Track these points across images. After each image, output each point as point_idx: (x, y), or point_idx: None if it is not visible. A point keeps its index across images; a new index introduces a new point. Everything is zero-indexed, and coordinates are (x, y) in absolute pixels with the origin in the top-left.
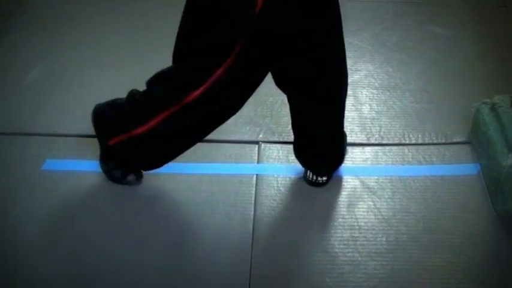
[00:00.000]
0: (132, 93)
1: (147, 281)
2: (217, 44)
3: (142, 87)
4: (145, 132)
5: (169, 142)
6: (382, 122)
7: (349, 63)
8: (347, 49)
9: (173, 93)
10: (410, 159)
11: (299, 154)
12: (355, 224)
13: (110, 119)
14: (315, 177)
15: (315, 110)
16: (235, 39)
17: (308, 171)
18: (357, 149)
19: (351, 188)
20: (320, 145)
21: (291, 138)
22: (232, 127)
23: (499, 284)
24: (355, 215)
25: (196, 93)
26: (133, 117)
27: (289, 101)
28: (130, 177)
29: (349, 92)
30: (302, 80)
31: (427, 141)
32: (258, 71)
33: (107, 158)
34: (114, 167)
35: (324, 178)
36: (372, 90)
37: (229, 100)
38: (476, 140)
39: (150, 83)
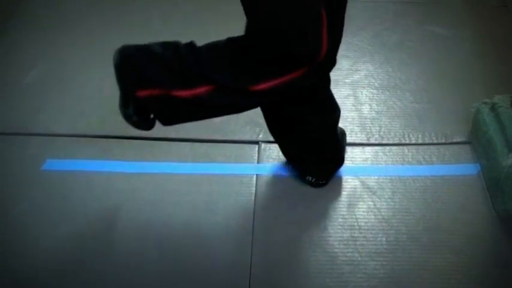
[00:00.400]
0: (189, 48)
1: (147, 281)
2: (301, 55)
3: None
4: (187, 97)
5: (205, 111)
6: (382, 122)
7: (349, 63)
8: (347, 49)
9: (240, 78)
10: (410, 159)
11: (296, 160)
12: (355, 224)
13: (146, 68)
14: (314, 179)
15: (321, 118)
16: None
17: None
18: (357, 149)
19: (351, 188)
20: (321, 150)
21: None
22: (232, 127)
23: (499, 284)
24: (355, 215)
25: (265, 85)
26: (179, 76)
27: (283, 113)
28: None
29: (349, 92)
30: (314, 90)
31: (427, 141)
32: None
33: (127, 103)
34: (133, 113)
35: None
36: (372, 90)
37: (290, 96)
38: (476, 140)
39: (211, 52)
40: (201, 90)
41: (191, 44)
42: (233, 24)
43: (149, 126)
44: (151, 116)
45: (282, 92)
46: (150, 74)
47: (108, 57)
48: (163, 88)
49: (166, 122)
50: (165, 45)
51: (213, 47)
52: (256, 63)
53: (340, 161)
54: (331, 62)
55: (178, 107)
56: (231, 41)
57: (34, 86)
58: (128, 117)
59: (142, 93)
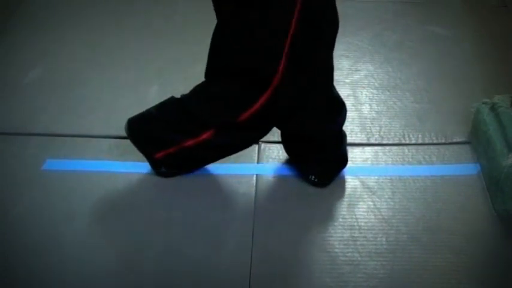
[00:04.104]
0: (180, 105)
1: (147, 281)
2: (261, 67)
3: (141, 87)
4: (194, 145)
5: (220, 151)
6: (382, 122)
7: (349, 63)
8: (347, 49)
9: (226, 111)
10: (410, 159)
11: (299, 159)
12: (355, 224)
13: (154, 133)
14: (317, 179)
15: (328, 125)
16: (278, 61)
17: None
18: (357, 149)
19: (351, 188)
20: (327, 151)
21: None
22: None
23: (499, 284)
24: (355, 215)
25: (250, 111)
26: (182, 130)
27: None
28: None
29: (349, 92)
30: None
31: (427, 141)
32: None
33: (156, 166)
34: (164, 169)
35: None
36: (372, 90)
37: (282, 112)
38: (476, 140)
39: (194, 98)
40: (206, 135)
41: (178, 99)
42: None
43: (182, 171)
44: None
45: (265, 117)
46: (159, 137)
47: (108, 57)
48: (175, 145)
49: (188, 170)
50: (161, 106)
51: (194, 92)
52: (231, 91)
53: (344, 161)
54: (295, 89)
55: (194, 154)
56: (205, 79)
57: (34, 86)
58: (161, 174)
59: (159, 154)
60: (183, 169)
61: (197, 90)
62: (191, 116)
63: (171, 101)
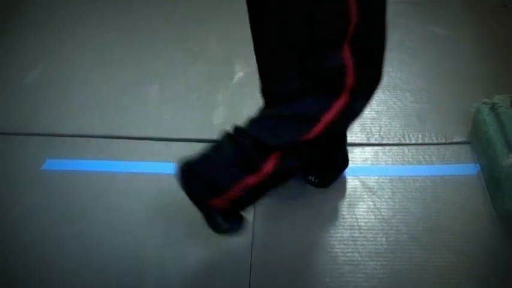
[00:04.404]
0: (237, 137)
1: (147, 281)
2: (326, 75)
3: (141, 86)
4: (256, 182)
5: (282, 178)
6: (382, 122)
7: None
8: None
9: (288, 132)
10: (410, 159)
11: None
12: (355, 224)
13: (210, 175)
14: (317, 180)
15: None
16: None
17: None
18: (357, 149)
19: (351, 188)
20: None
21: None
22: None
23: (499, 284)
24: (355, 215)
25: (324, 122)
26: (242, 165)
27: None
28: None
29: None
30: None
31: (427, 141)
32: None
33: (211, 216)
34: (220, 219)
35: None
36: None
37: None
38: (476, 140)
39: (256, 124)
40: (269, 166)
41: (233, 133)
42: (233, 25)
43: (240, 223)
44: (238, 212)
45: (342, 122)
46: (215, 179)
47: (108, 57)
48: (234, 186)
49: (250, 206)
50: (216, 147)
51: (256, 118)
52: (293, 111)
53: (345, 162)
54: (371, 83)
55: (255, 193)
56: (264, 106)
57: (34, 86)
58: (221, 231)
59: (216, 201)
60: (247, 207)
61: (260, 115)
62: (255, 143)
63: (225, 136)
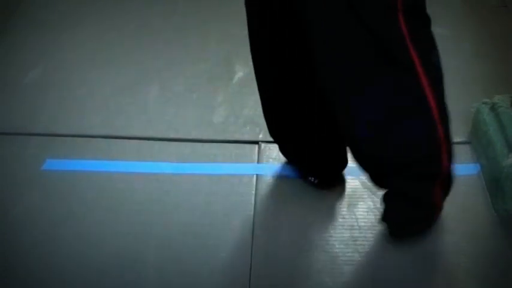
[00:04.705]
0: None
1: (147, 281)
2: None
3: (141, 87)
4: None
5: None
6: None
7: None
8: None
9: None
10: None
11: (298, 162)
12: (355, 224)
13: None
14: (317, 180)
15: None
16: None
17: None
18: None
19: (351, 188)
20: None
21: None
22: (232, 127)
23: (499, 284)
24: (355, 215)
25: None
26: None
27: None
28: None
29: None
30: None
31: None
32: None
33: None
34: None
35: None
36: None
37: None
38: (476, 140)
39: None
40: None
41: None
42: (233, 25)
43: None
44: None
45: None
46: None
47: (108, 57)
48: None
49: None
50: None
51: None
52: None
53: (346, 162)
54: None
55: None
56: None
57: (34, 86)
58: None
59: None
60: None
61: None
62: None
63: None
